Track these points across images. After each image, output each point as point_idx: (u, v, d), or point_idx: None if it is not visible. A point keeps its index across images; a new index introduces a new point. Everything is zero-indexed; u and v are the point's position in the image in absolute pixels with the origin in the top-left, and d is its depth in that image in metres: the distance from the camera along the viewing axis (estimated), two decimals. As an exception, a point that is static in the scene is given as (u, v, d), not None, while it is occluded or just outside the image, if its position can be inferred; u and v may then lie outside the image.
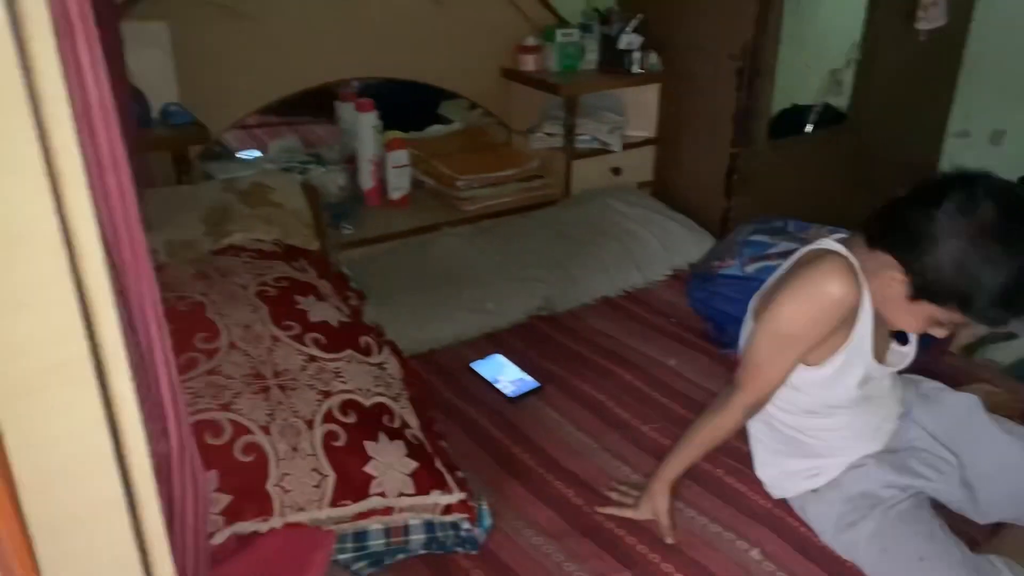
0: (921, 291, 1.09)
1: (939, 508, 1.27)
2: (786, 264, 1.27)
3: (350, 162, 2.33)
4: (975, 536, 1.26)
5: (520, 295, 1.98)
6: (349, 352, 1.16)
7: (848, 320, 1.18)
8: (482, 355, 1.81)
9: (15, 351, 0.44)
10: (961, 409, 1.31)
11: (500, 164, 2.44)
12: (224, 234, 1.40)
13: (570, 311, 2.01)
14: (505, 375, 1.74)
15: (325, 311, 1.22)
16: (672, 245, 2.23)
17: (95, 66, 0.49)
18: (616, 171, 2.51)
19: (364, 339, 1.21)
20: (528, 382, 1.72)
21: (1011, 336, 2.49)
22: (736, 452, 1.44)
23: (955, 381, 1.53)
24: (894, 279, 1.10)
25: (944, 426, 1.31)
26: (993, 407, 1.40)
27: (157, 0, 1.88)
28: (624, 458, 1.50)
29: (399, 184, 2.32)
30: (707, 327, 1.92)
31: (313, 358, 1.13)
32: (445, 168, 2.39)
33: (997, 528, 1.29)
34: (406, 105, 2.57)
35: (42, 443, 0.45)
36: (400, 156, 2.30)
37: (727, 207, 2.41)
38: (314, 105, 2.46)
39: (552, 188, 2.45)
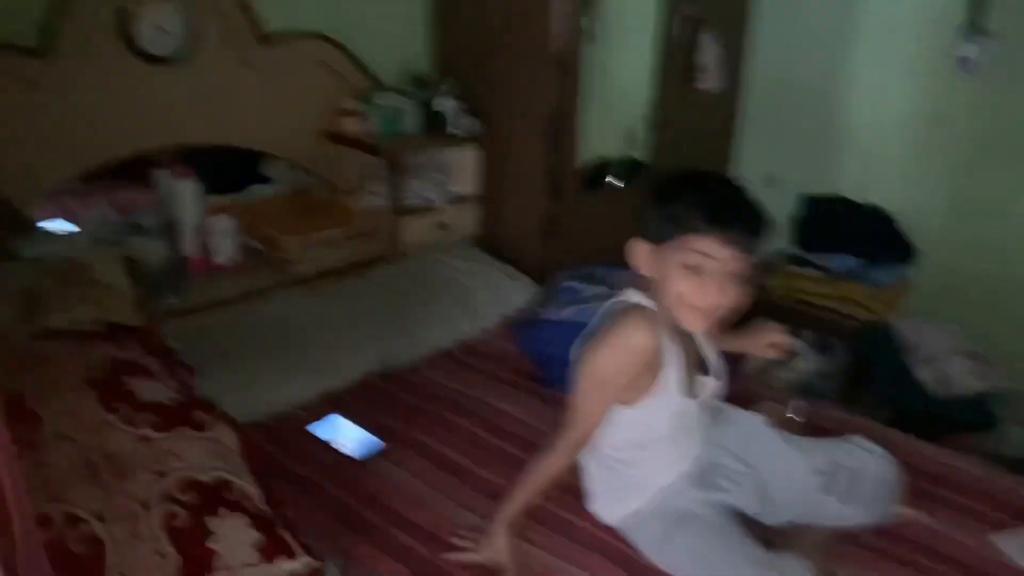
0: (654, 235, 1.28)
1: (739, 515, 1.45)
2: (599, 314, 1.41)
3: (171, 229, 2.27)
4: (770, 537, 1.44)
5: (356, 354, 2.02)
6: (182, 429, 1.16)
7: (654, 365, 1.33)
8: (320, 417, 1.83)
9: None
10: (749, 427, 1.52)
11: (327, 224, 2.48)
12: (40, 318, 1.34)
13: (406, 366, 2.08)
14: (345, 435, 1.77)
15: (155, 390, 1.21)
16: (500, 294, 2.36)
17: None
18: (443, 226, 2.62)
19: (197, 414, 1.22)
20: (369, 440, 1.76)
21: (794, 355, 2.85)
22: (572, 487, 1.56)
23: (748, 402, 1.75)
24: (647, 254, 1.29)
25: (737, 443, 1.50)
26: (779, 423, 1.62)
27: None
28: (466, 504, 1.58)
29: (224, 250, 2.30)
30: (536, 369, 2.05)
31: (146, 439, 1.12)
32: (272, 231, 2.39)
33: (786, 529, 1.48)
34: (224, 167, 2.54)
35: None
36: (224, 222, 2.28)
37: (545, 256, 2.59)
38: (127, 169, 2.37)
39: (382, 245, 2.51)
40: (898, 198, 2.90)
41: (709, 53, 2.79)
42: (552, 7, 2.33)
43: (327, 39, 2.43)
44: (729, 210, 1.24)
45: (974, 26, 2.57)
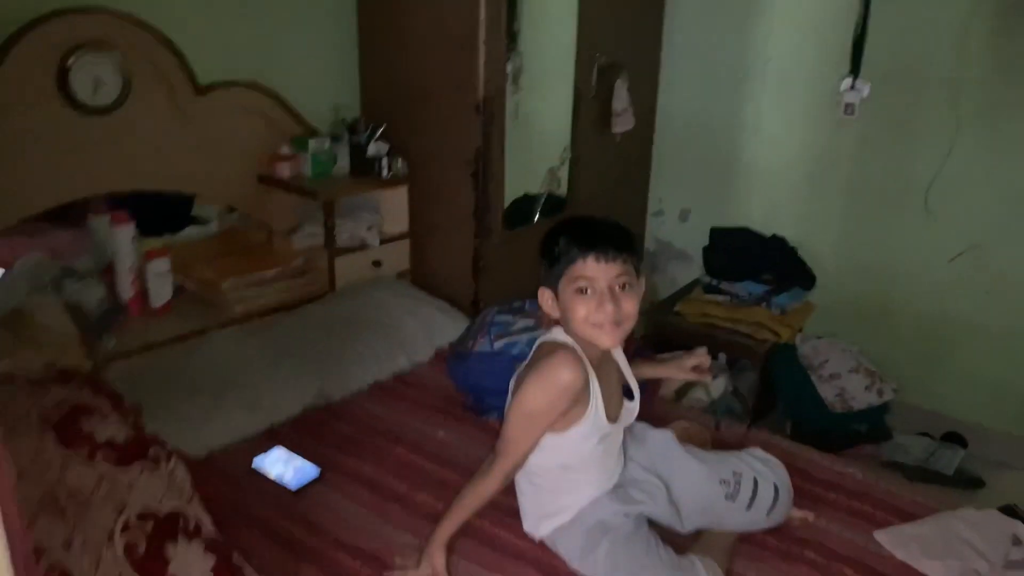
0: (549, 280, 1.48)
1: (653, 524, 1.61)
2: (531, 353, 1.55)
3: (106, 273, 2.32)
4: (681, 543, 1.60)
5: (295, 388, 2.11)
6: (139, 464, 1.25)
7: (582, 397, 1.48)
8: (262, 451, 1.91)
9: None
10: (660, 443, 1.68)
11: (263, 264, 2.56)
12: (-11, 364, 1.41)
13: (344, 399, 2.17)
14: (286, 468, 1.85)
15: (109, 428, 1.29)
16: (432, 328, 2.49)
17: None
18: (377, 263, 2.73)
19: (153, 450, 1.30)
20: (309, 470, 1.85)
21: (715, 375, 3.05)
22: (499, 504, 1.68)
23: (663, 420, 1.92)
24: (551, 299, 1.48)
25: (651, 458, 1.66)
26: (688, 438, 1.79)
27: None
28: (405, 527, 1.69)
29: (161, 292, 2.36)
30: (468, 399, 2.18)
31: (104, 475, 1.20)
32: (209, 272, 2.46)
33: (696, 534, 1.65)
34: (159, 208, 2.60)
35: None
36: (161, 264, 2.34)
37: (475, 290, 2.73)
38: (62, 211, 2.40)
39: (317, 284, 2.61)
40: (798, 230, 3.17)
41: (621, 99, 3.01)
42: (478, 56, 2.50)
43: (260, 88, 2.53)
44: (592, 232, 1.46)
45: (855, 73, 2.86)
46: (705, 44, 3.22)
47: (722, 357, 3.14)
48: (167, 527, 1.18)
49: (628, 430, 1.70)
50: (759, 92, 3.15)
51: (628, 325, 1.46)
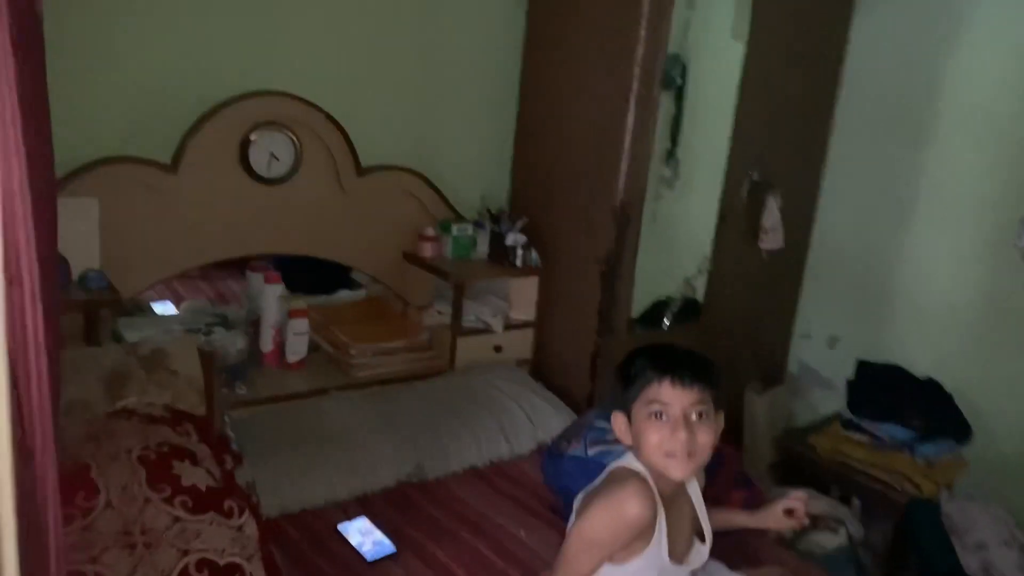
0: (623, 404, 1.44)
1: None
2: (602, 475, 1.53)
3: (254, 325, 2.55)
4: None
5: (394, 459, 2.18)
6: (212, 514, 1.35)
7: (647, 531, 1.42)
8: (350, 517, 1.98)
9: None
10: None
11: (393, 335, 2.71)
12: (119, 397, 1.59)
13: (438, 478, 2.22)
14: (365, 538, 1.91)
15: (197, 475, 1.41)
16: (539, 421, 2.49)
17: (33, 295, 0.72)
18: (498, 349, 2.80)
19: (228, 503, 1.40)
20: (386, 546, 1.89)
21: (840, 522, 2.81)
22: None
23: (753, 560, 1.79)
24: (624, 423, 1.45)
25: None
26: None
27: (90, 176, 2.14)
28: (459, 620, 1.68)
29: (297, 349, 2.55)
30: (556, 500, 2.15)
31: (178, 519, 1.31)
32: (342, 335, 2.64)
33: None
34: (319, 269, 2.84)
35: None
36: (300, 324, 2.54)
37: (592, 389, 2.71)
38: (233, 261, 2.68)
39: (439, 360, 2.71)
40: (956, 376, 2.88)
41: (772, 216, 2.93)
42: (620, 160, 2.56)
43: (416, 173, 2.73)
44: (670, 356, 1.43)
45: (1038, 218, 2.62)
46: (871, 167, 3.09)
47: (856, 503, 2.89)
48: (221, 578, 1.26)
49: (704, 570, 1.60)
50: (924, 223, 2.95)
51: (701, 458, 1.40)
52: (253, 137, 2.37)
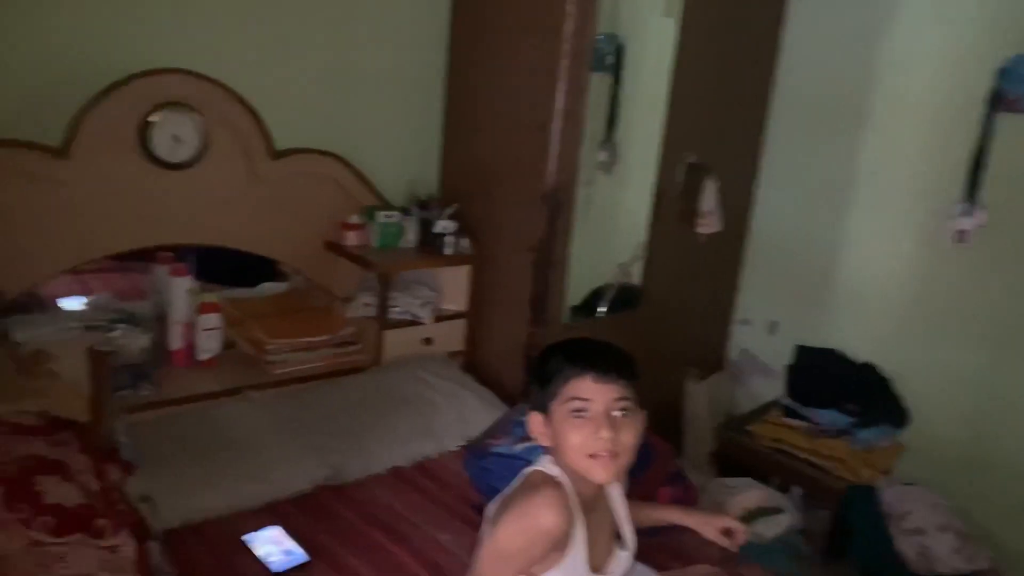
0: (541, 403, 1.33)
1: None
2: (517, 479, 1.41)
3: (161, 321, 2.38)
4: None
5: (310, 462, 2.04)
6: (79, 536, 1.20)
7: (563, 541, 1.31)
8: (259, 526, 1.84)
9: None
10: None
11: (315, 329, 2.56)
12: (-12, 406, 1.43)
13: (359, 481, 2.09)
14: (275, 549, 1.78)
15: (65, 492, 1.26)
16: (467, 416, 2.38)
17: None
18: (428, 341, 2.68)
19: (100, 522, 1.26)
20: (297, 555, 1.76)
21: (777, 511, 2.76)
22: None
23: (685, 559, 1.71)
24: (542, 424, 1.34)
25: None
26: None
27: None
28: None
29: (209, 346, 2.39)
30: (484, 501, 2.04)
31: (38, 543, 1.16)
32: (258, 331, 2.48)
33: None
34: (240, 260, 2.66)
35: None
36: (212, 319, 2.38)
37: (527, 381, 2.61)
38: (139, 253, 2.49)
39: (364, 355, 2.58)
40: (893, 360, 2.87)
41: (709, 200, 2.86)
42: (549, 145, 2.45)
43: (336, 157, 2.58)
44: (590, 350, 1.33)
45: (970, 199, 2.59)
46: (808, 153, 3.04)
47: (795, 491, 2.85)
48: (84, 610, 1.12)
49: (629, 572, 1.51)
50: (861, 208, 2.92)
51: (626, 458, 1.31)
52: (153, 119, 2.20)
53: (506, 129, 2.59)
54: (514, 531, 1.29)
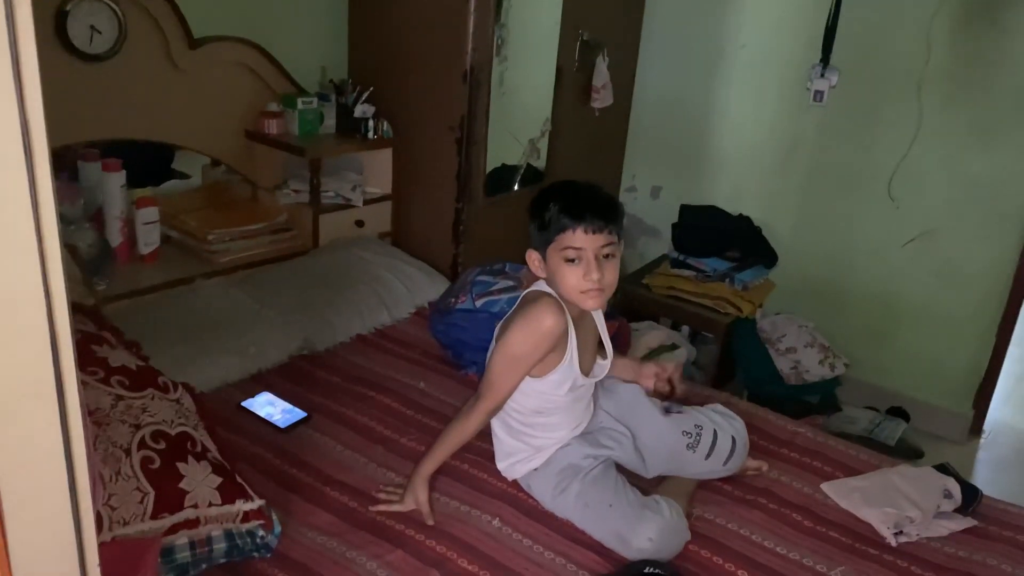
0: (538, 243, 1.57)
1: (620, 469, 1.74)
2: (517, 302, 1.66)
3: (95, 219, 2.36)
4: (645, 486, 1.73)
5: (281, 337, 2.19)
6: (151, 391, 1.33)
7: (560, 344, 1.60)
8: (250, 395, 1.99)
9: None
10: (629, 396, 1.80)
11: (249, 218, 2.62)
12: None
13: (328, 349, 2.26)
14: (274, 409, 1.94)
15: (121, 357, 1.37)
16: (413, 287, 2.58)
17: None
18: (359, 223, 2.81)
19: (162, 379, 1.38)
20: (296, 413, 1.94)
21: (675, 347, 3.19)
22: (477, 448, 1.80)
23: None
24: (538, 260, 1.58)
25: (619, 409, 1.79)
26: (653, 393, 1.92)
27: None
28: (388, 466, 1.79)
29: (149, 240, 2.41)
30: (447, 353, 2.28)
31: (120, 397, 1.28)
32: (194, 223, 2.52)
33: (659, 479, 1.78)
34: (141, 160, 2.64)
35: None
36: (150, 213, 2.39)
37: (456, 253, 2.82)
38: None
39: (301, 240, 2.68)
40: (763, 210, 3.31)
41: (601, 75, 3.10)
42: (468, 23, 2.57)
43: (251, 44, 2.58)
44: (582, 203, 1.55)
45: (825, 63, 3.00)
46: (682, 26, 3.33)
47: (685, 329, 3.29)
48: (178, 447, 1.27)
49: (600, 383, 1.82)
50: (732, 76, 3.27)
51: (610, 291, 1.58)
52: (68, 8, 2.12)
53: (419, 10, 2.67)
54: (522, 335, 1.55)
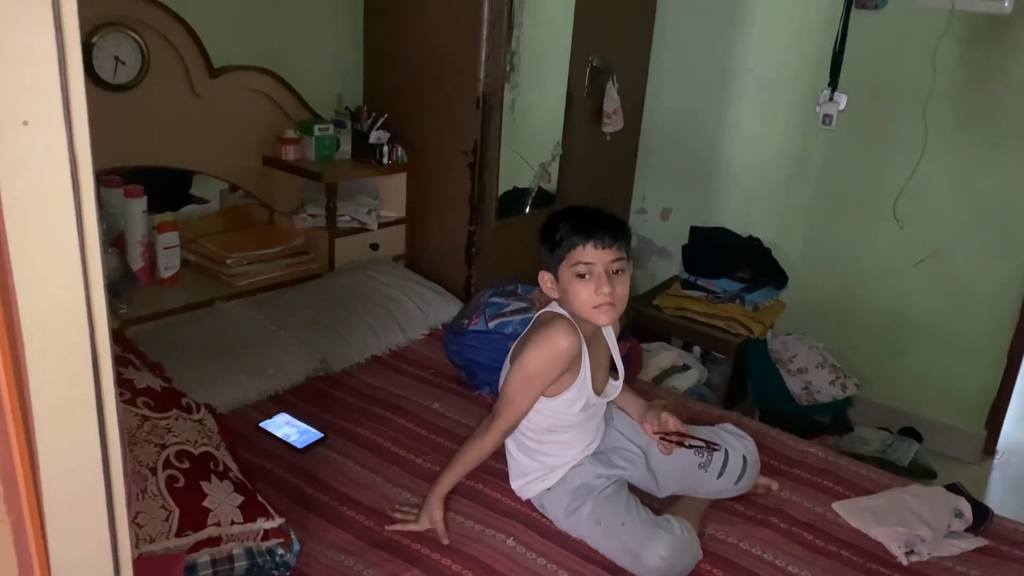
0: (549, 264, 1.62)
1: (633, 489, 1.76)
2: (530, 323, 1.70)
3: (117, 244, 2.42)
4: (658, 506, 1.75)
5: (298, 358, 2.23)
6: (175, 411, 1.37)
7: (574, 365, 1.63)
8: (268, 415, 2.03)
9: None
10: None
11: (266, 242, 2.68)
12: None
13: (344, 370, 2.30)
14: (292, 430, 1.98)
15: (146, 378, 1.42)
16: (427, 308, 2.62)
17: None
18: (374, 246, 2.86)
19: (185, 400, 1.42)
20: (313, 433, 1.98)
21: (686, 368, 3.21)
22: (491, 468, 1.83)
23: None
24: (550, 281, 1.62)
25: (632, 429, 1.81)
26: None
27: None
28: (403, 485, 1.82)
29: (170, 263, 2.46)
30: (460, 374, 2.31)
31: (146, 418, 1.32)
32: (213, 246, 2.57)
33: (672, 499, 1.80)
34: (160, 185, 2.69)
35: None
36: (170, 238, 2.45)
37: (469, 275, 2.87)
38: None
39: (317, 263, 2.73)
40: (772, 231, 3.34)
41: (612, 100, 3.16)
42: (480, 50, 2.64)
43: (269, 72, 2.65)
44: (591, 220, 1.61)
45: (833, 87, 3.04)
46: (692, 49, 3.39)
47: (697, 349, 3.32)
48: (201, 466, 1.30)
49: (611, 402, 1.85)
50: (741, 99, 3.32)
51: (621, 306, 1.62)
52: (95, 40, 2.19)
53: (432, 36, 2.74)
54: (538, 355, 1.59)
